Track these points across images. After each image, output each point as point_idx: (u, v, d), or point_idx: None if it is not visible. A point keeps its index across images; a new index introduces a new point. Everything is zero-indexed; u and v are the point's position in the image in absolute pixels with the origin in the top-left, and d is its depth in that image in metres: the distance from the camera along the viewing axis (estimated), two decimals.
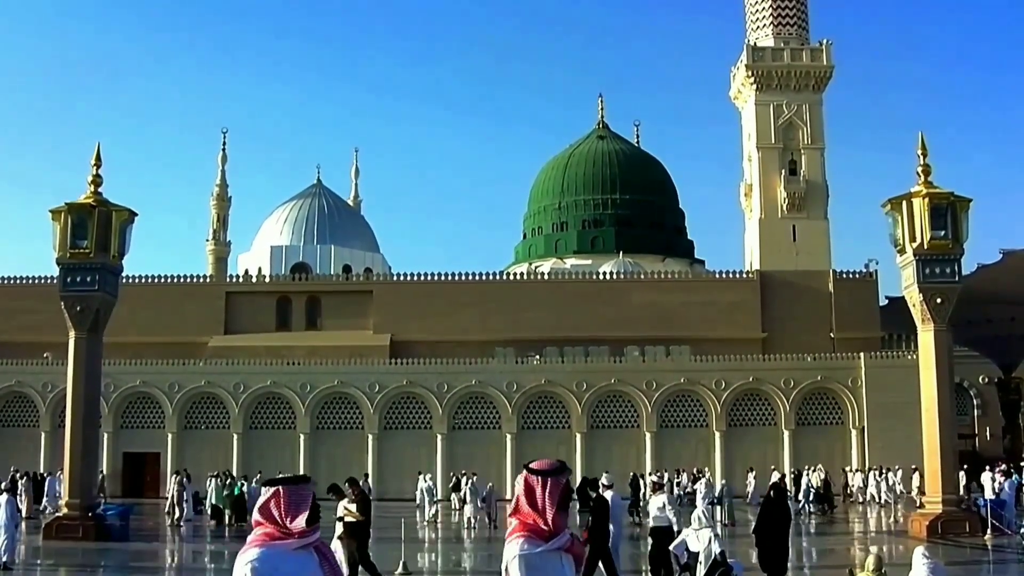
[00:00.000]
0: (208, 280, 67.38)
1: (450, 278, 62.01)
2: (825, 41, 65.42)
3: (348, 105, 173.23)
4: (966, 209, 29.55)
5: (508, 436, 52.58)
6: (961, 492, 32.04)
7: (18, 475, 38.64)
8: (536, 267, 72.91)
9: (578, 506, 26.77)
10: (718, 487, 38.81)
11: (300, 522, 4.91)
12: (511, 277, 68.47)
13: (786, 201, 62.87)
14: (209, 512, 36.10)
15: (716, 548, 16.27)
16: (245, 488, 36.67)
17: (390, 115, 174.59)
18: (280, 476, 5.25)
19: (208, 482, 37.89)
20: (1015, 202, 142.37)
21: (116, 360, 46.82)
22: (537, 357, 55.44)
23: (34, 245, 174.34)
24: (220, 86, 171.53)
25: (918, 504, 38.11)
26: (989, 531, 27.20)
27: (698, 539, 16.86)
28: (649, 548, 17.46)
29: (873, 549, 22.30)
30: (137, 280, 57.17)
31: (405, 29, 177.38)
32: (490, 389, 53.03)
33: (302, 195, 77.57)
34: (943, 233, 28.93)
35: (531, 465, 5.19)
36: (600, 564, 16.12)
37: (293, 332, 61.24)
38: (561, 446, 51.38)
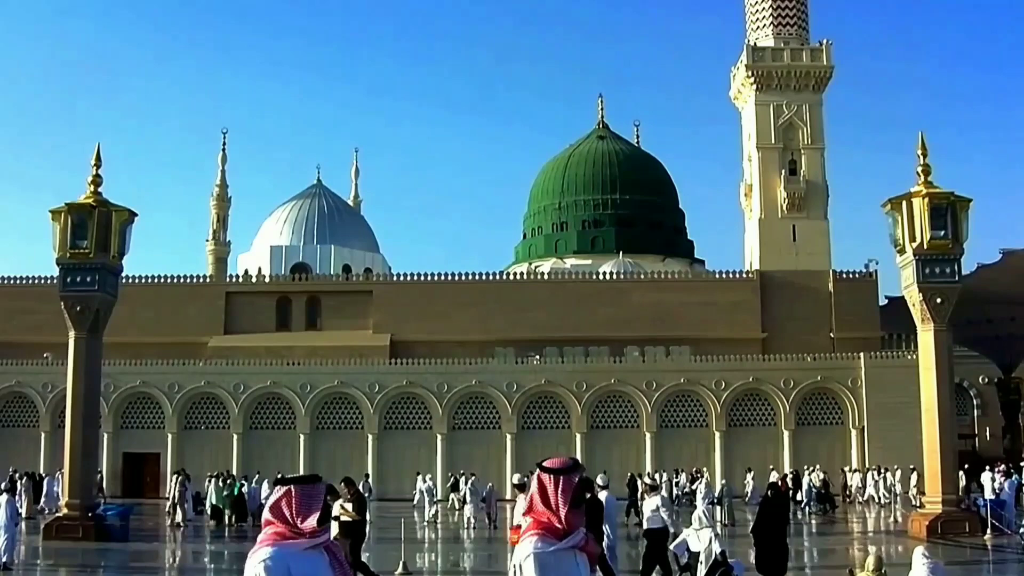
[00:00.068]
0: (208, 280, 67.38)
1: (450, 278, 62.01)
2: (825, 41, 65.40)
3: (348, 105, 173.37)
4: (966, 209, 29.56)
5: (508, 436, 52.59)
6: (960, 492, 31.98)
7: (17, 475, 38.66)
8: (536, 267, 72.90)
9: None
10: (718, 487, 38.84)
11: (311, 522, 4.89)
12: (511, 277, 68.46)
13: (786, 201, 62.85)
14: (209, 512, 36.07)
15: (716, 548, 16.28)
16: (245, 488, 36.69)
17: (390, 115, 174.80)
18: (291, 476, 5.24)
19: (207, 482, 37.90)
20: (1015, 202, 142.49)
21: (116, 360, 46.82)
22: (537, 357, 55.46)
23: (34, 245, 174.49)
24: (220, 86, 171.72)
25: (917, 504, 38.22)
26: (989, 531, 27.20)
27: (699, 539, 16.87)
28: (643, 550, 17.41)
29: (871, 549, 22.32)
30: (137, 280, 57.18)
31: (405, 29, 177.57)
32: (490, 389, 53.04)
33: (302, 195, 77.56)
34: (943, 233, 28.94)
35: (544, 463, 5.17)
36: (596, 566, 16.07)
37: (293, 332, 61.24)
38: (561, 446, 51.32)
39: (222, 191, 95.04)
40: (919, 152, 30.03)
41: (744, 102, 66.83)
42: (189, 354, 55.23)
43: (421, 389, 53.01)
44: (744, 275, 63.05)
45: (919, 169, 29.82)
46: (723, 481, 40.66)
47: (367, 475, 44.40)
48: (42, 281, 56.30)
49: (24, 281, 60.24)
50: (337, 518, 17.29)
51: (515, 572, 5.05)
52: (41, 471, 46.08)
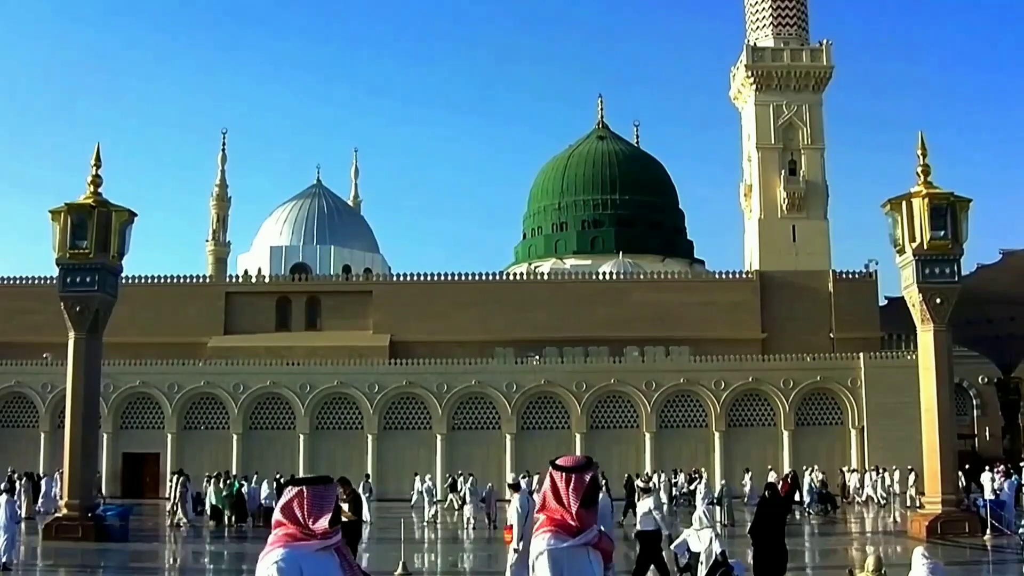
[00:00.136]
0: (208, 280, 67.38)
1: (450, 278, 62.01)
2: (825, 41, 65.41)
3: (348, 105, 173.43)
4: (966, 209, 29.55)
5: (508, 436, 52.59)
6: (960, 492, 31.98)
7: (15, 476, 38.64)
8: (536, 267, 72.89)
9: None
10: (717, 487, 38.83)
11: (323, 523, 4.88)
12: (511, 277, 68.45)
13: (786, 201, 62.85)
14: (209, 513, 36.06)
15: (717, 548, 16.28)
16: (245, 489, 36.68)
17: (390, 115, 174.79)
18: (303, 476, 5.23)
19: (205, 483, 37.90)
20: (1015, 202, 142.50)
21: (116, 360, 46.81)
22: (537, 357, 55.46)
23: (34, 245, 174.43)
24: (220, 86, 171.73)
25: (916, 505, 38.23)
26: (989, 531, 27.20)
27: (699, 539, 16.87)
28: (637, 552, 17.39)
29: (870, 549, 22.33)
30: (137, 280, 57.19)
31: (405, 29, 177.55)
32: (490, 389, 53.04)
33: (302, 195, 77.55)
34: (943, 233, 28.93)
35: (557, 461, 5.20)
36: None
37: (293, 332, 61.24)
38: (561, 446, 51.27)
39: (222, 191, 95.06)
40: (919, 152, 30.02)
41: (744, 102, 66.83)
42: (189, 354, 55.23)
43: (421, 389, 53.01)
44: (744, 275, 63.06)
45: (919, 169, 29.82)
46: (723, 481, 40.65)
47: (367, 475, 44.38)
48: (42, 281, 56.27)
49: (24, 281, 60.24)
50: None
51: (531, 570, 5.07)
52: (41, 471, 46.05)
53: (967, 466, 41.88)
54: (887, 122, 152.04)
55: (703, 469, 46.06)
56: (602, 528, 5.42)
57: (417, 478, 44.88)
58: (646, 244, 73.20)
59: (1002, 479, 37.46)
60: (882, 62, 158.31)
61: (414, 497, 43.85)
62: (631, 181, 76.29)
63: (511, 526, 15.42)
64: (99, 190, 29.58)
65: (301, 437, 52.58)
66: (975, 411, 64.51)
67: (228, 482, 37.41)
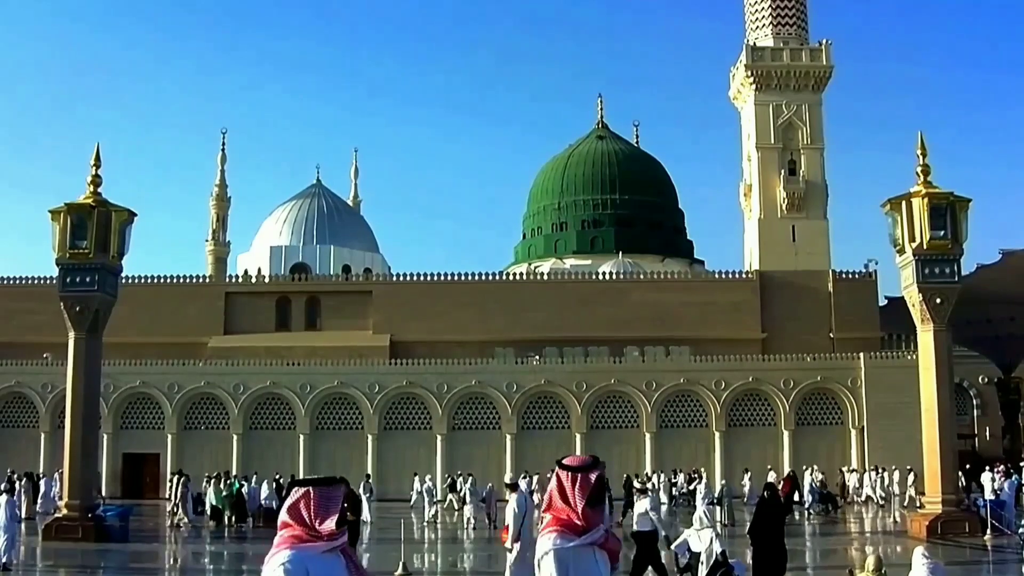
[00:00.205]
0: (208, 280, 67.36)
1: (450, 278, 62.00)
2: (825, 41, 65.41)
3: (348, 105, 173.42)
4: (965, 209, 29.56)
5: (508, 436, 52.58)
6: (960, 492, 31.98)
7: (15, 476, 38.62)
8: (536, 267, 72.88)
9: None
10: (717, 487, 38.83)
11: (329, 524, 4.84)
12: (511, 277, 68.44)
13: (785, 201, 62.85)
14: (209, 513, 36.05)
15: (717, 548, 16.28)
16: (245, 489, 36.67)
17: (390, 115, 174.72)
18: (309, 477, 5.20)
19: (204, 483, 37.91)
20: (1015, 202, 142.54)
21: (116, 360, 46.79)
22: (537, 357, 55.45)
23: (34, 245, 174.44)
24: (220, 86, 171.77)
25: (916, 504, 38.22)
26: (989, 531, 27.20)
27: (699, 539, 16.86)
28: (633, 553, 17.35)
29: (869, 549, 22.32)
30: (137, 280, 57.19)
31: (405, 30, 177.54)
32: (490, 389, 53.03)
33: (302, 195, 77.52)
34: (942, 233, 28.94)
35: (563, 461, 5.20)
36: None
37: (293, 332, 61.23)
38: (561, 447, 51.25)
39: (221, 191, 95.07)
40: (918, 152, 30.02)
41: (743, 102, 66.83)
42: (189, 354, 55.22)
43: (421, 389, 53.00)
44: (744, 275, 63.05)
45: (918, 169, 29.82)
46: (723, 481, 40.64)
47: (368, 475, 44.38)
48: (42, 281, 56.25)
49: (24, 281, 60.22)
50: None
51: (536, 568, 5.05)
52: (41, 472, 46.00)
53: (967, 466, 41.87)
54: (887, 122, 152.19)
55: (702, 469, 46.04)
56: (610, 527, 5.39)
57: (416, 478, 44.87)
58: (646, 244, 73.18)
59: (1002, 479, 37.47)
60: (882, 62, 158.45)
61: (413, 497, 43.86)
62: (631, 181, 76.28)
63: (507, 527, 15.40)
64: (99, 190, 29.58)
65: (301, 437, 52.58)
66: (975, 411, 64.53)
67: (228, 482, 37.41)
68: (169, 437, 52.33)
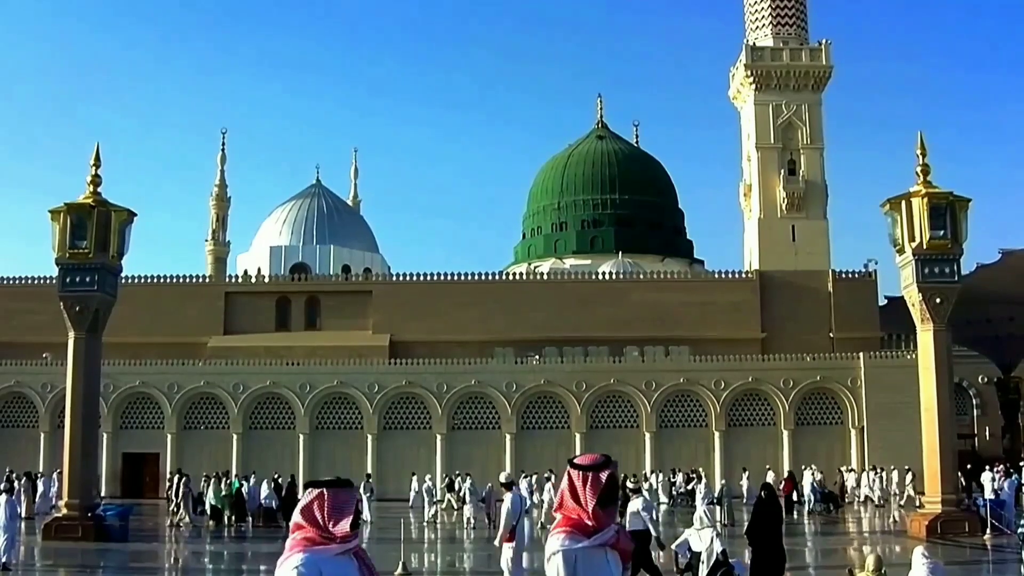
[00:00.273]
0: (207, 280, 67.35)
1: (449, 278, 62.00)
2: (824, 41, 65.41)
3: (348, 105, 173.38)
4: (965, 209, 29.57)
5: (507, 436, 52.58)
6: (959, 492, 31.98)
7: (14, 476, 38.62)
8: (535, 267, 72.88)
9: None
10: (717, 487, 38.84)
11: (344, 526, 4.82)
12: (510, 277, 68.44)
13: (785, 201, 62.85)
14: (209, 512, 36.06)
15: (718, 547, 16.29)
16: (244, 488, 36.66)
17: (390, 115, 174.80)
18: (323, 479, 5.18)
19: (202, 483, 37.91)
20: (1015, 202, 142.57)
21: (115, 360, 46.80)
22: (536, 357, 55.45)
23: (34, 245, 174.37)
24: (220, 86, 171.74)
25: (914, 504, 38.24)
26: (988, 531, 27.21)
27: (700, 539, 16.87)
28: None
29: (866, 550, 22.32)
30: (136, 280, 57.19)
31: (405, 29, 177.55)
32: (489, 389, 53.03)
33: (301, 195, 77.53)
34: (942, 233, 28.94)
35: (575, 460, 5.13)
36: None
37: (292, 332, 61.22)
38: (561, 446, 51.33)
39: (221, 191, 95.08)
40: (918, 152, 30.03)
41: (743, 102, 66.83)
42: (188, 354, 55.22)
43: (420, 389, 53.00)
44: (743, 275, 63.05)
45: (918, 169, 29.83)
46: (723, 481, 40.65)
47: (368, 475, 44.40)
48: (41, 281, 56.23)
49: (23, 281, 60.21)
50: None
51: (546, 564, 5.01)
52: (41, 471, 46.01)
53: (968, 466, 41.86)
54: (887, 122, 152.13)
55: (701, 469, 46.03)
56: (623, 527, 5.33)
57: (414, 478, 44.90)
58: (646, 244, 73.18)
59: (1002, 479, 37.49)
60: (882, 62, 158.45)
61: (412, 497, 43.89)
62: (631, 181, 76.27)
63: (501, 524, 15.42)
64: (99, 190, 29.58)
65: (301, 437, 52.58)
66: (975, 411, 64.49)
67: (228, 482, 37.40)
68: (169, 437, 52.33)
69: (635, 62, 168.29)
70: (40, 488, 40.44)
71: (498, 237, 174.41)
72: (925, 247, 28.87)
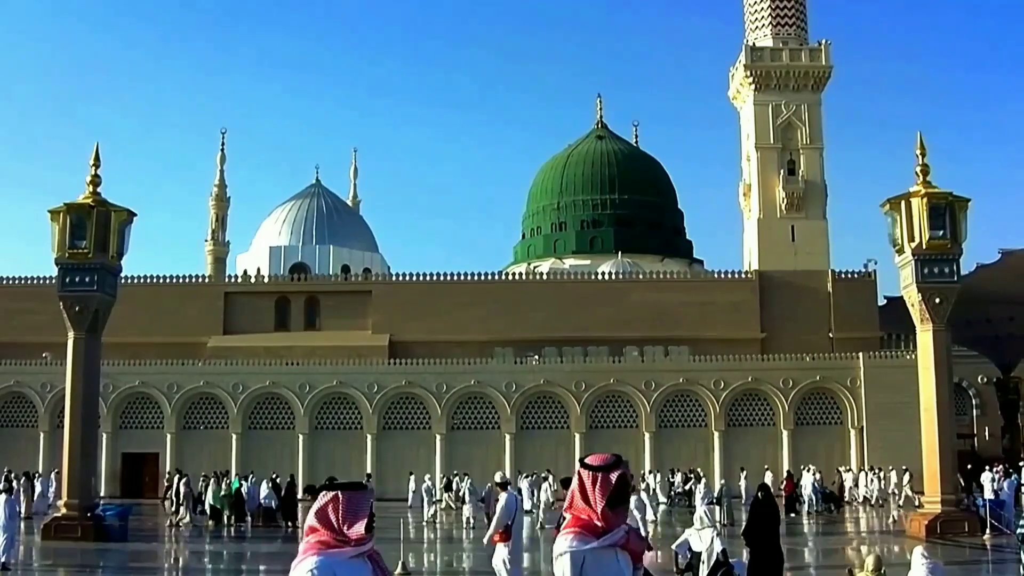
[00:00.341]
0: (207, 280, 67.31)
1: (449, 278, 61.98)
2: (824, 41, 65.41)
3: (347, 105, 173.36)
4: (965, 209, 29.58)
5: (507, 436, 52.58)
6: (959, 492, 31.97)
7: (12, 476, 38.61)
8: (535, 267, 72.87)
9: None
10: (716, 487, 38.83)
11: (359, 528, 4.81)
12: (510, 277, 68.42)
13: (785, 201, 62.85)
14: (208, 512, 36.06)
15: (718, 547, 16.29)
16: (244, 488, 36.64)
17: (389, 115, 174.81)
18: (339, 481, 5.16)
19: (201, 482, 37.91)
20: (1014, 202, 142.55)
21: (115, 360, 46.80)
22: (536, 357, 55.45)
23: (33, 245, 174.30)
24: (220, 86, 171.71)
25: (912, 504, 38.26)
26: (988, 531, 27.21)
27: (700, 539, 16.88)
28: None
29: (864, 550, 22.31)
30: (136, 280, 57.18)
31: (405, 29, 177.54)
32: (489, 389, 53.03)
33: (301, 195, 77.50)
34: (942, 233, 28.95)
35: (585, 460, 5.08)
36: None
37: (292, 332, 61.20)
38: (560, 446, 51.39)
39: (221, 191, 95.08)
40: (918, 152, 30.04)
41: (743, 102, 66.84)
42: (188, 354, 55.21)
43: (420, 389, 52.99)
44: (743, 275, 63.04)
45: (918, 169, 29.83)
46: (722, 481, 40.64)
47: (368, 475, 44.41)
48: (41, 281, 56.20)
49: (23, 281, 60.19)
50: None
51: (554, 563, 4.99)
52: (40, 471, 46.04)
53: (968, 466, 41.85)
54: (886, 122, 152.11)
55: (699, 469, 46.04)
56: (635, 527, 5.29)
57: (412, 478, 44.89)
58: (645, 244, 73.16)
59: (1002, 479, 37.49)
60: (881, 62, 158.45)
61: (410, 497, 43.89)
62: (630, 181, 76.26)
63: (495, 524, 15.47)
64: (98, 190, 29.58)
65: (300, 437, 52.57)
66: (975, 411, 64.44)
67: (227, 482, 37.39)
68: (168, 437, 52.32)
69: (635, 62, 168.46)
70: (38, 488, 40.44)
71: (498, 237, 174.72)
72: (924, 247, 28.88)
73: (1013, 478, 37.34)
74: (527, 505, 34.94)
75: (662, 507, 42.45)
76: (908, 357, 43.45)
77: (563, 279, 64.53)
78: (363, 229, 79.24)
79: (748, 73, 64.20)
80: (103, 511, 29.33)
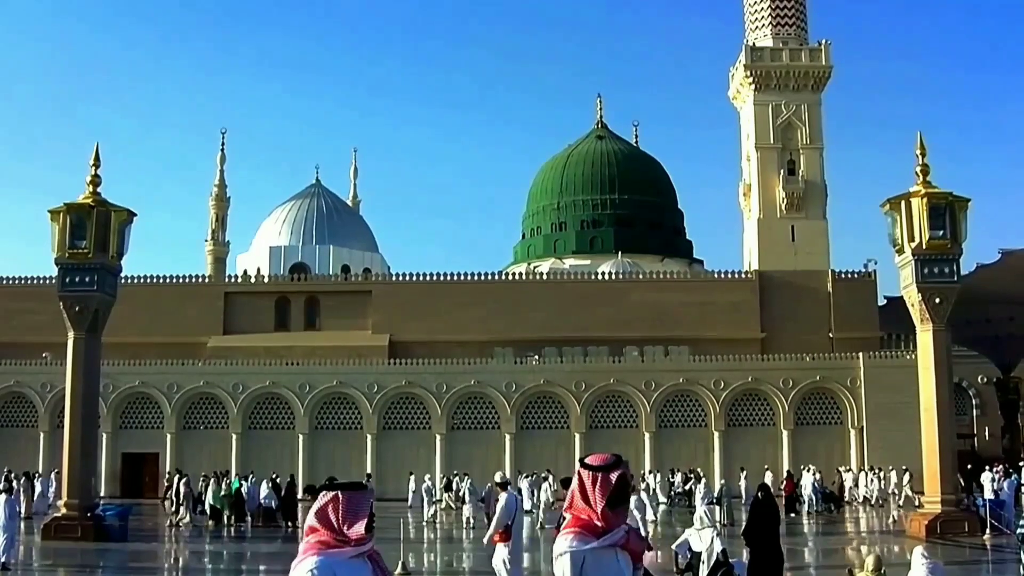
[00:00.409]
0: (207, 280, 67.31)
1: (449, 278, 61.98)
2: (824, 41, 65.41)
3: (347, 105, 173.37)
4: (965, 209, 29.58)
5: (507, 436, 52.57)
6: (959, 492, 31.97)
7: (12, 476, 38.60)
8: (535, 267, 72.86)
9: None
10: (716, 487, 38.83)
11: (359, 528, 4.81)
12: (510, 277, 68.41)
13: (785, 201, 62.86)
14: (208, 512, 36.06)
15: (718, 547, 16.29)
16: (244, 488, 36.64)
17: (389, 115, 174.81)
18: (338, 481, 5.16)
19: (200, 482, 37.90)
20: (1014, 202, 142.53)
21: (115, 360, 46.80)
22: (536, 357, 55.44)
23: (33, 245, 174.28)
24: (220, 86, 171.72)
25: (912, 504, 38.25)
26: (988, 531, 27.20)
27: (700, 539, 16.88)
28: None
29: (866, 549, 22.31)
30: (136, 280, 57.18)
31: (405, 29, 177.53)
32: (489, 389, 53.03)
33: (301, 195, 77.50)
34: (942, 233, 28.95)
35: (586, 460, 5.08)
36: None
37: (292, 332, 61.20)
38: (560, 447, 51.39)
39: (221, 191, 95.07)
40: (918, 152, 30.04)
41: (743, 102, 66.84)
42: (188, 354, 55.21)
43: (420, 389, 52.99)
44: (743, 275, 63.04)
45: (918, 169, 29.83)
46: (722, 481, 40.63)
47: (368, 475, 44.41)
48: (41, 281, 56.20)
49: (23, 281, 60.19)
50: None
51: (554, 563, 4.98)
52: (40, 471, 46.04)
53: (968, 466, 41.85)
54: (886, 122, 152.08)
55: (699, 469, 46.03)
56: (635, 527, 5.28)
57: (412, 478, 44.88)
58: (645, 244, 73.16)
59: (1001, 479, 37.49)
60: (882, 62, 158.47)
61: (410, 497, 43.89)
62: (630, 181, 76.26)
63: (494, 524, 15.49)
64: (98, 190, 29.58)
65: (300, 437, 52.57)
66: (975, 411, 64.44)
67: (227, 482, 37.38)
68: (168, 437, 52.32)
69: (635, 62, 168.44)
70: (38, 488, 40.43)
71: (498, 237, 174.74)
72: (924, 247, 28.88)
73: (1013, 478, 37.34)
74: (527, 505, 34.95)
75: (662, 507, 42.45)
76: (908, 357, 43.45)
77: (563, 279, 64.53)
78: (363, 229, 79.24)
79: (748, 73, 64.20)
80: (103, 511, 29.33)
